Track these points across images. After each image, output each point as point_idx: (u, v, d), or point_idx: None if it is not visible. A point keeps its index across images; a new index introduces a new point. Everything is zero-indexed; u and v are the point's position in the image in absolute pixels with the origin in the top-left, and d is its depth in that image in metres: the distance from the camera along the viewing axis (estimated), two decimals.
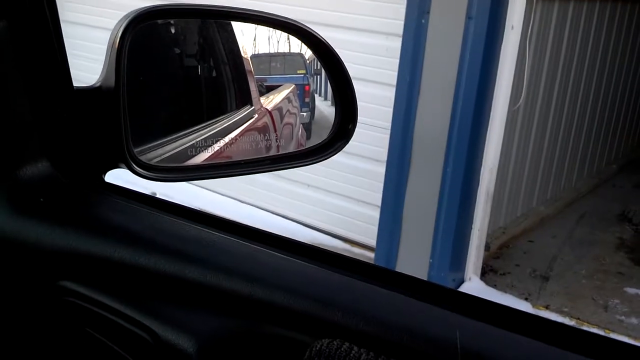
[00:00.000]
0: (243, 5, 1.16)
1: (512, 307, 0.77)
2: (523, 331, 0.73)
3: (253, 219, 5.09)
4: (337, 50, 1.13)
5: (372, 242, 4.65)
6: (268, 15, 1.13)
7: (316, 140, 1.25)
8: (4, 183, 0.95)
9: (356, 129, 1.16)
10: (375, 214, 4.60)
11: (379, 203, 4.54)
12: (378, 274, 0.83)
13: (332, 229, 5.02)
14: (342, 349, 0.73)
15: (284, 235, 0.93)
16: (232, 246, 0.89)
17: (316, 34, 1.12)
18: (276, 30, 1.19)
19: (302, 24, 1.13)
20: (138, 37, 0.99)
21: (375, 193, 4.64)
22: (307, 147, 1.23)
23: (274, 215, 5.24)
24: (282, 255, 0.86)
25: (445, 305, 0.77)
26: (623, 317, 4.29)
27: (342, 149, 1.14)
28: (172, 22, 1.16)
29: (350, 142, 1.17)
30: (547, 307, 4.31)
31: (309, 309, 0.78)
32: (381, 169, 4.52)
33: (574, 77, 5.80)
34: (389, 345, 0.73)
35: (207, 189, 5.45)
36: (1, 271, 0.95)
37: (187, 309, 0.85)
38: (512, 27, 4.00)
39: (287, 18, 1.13)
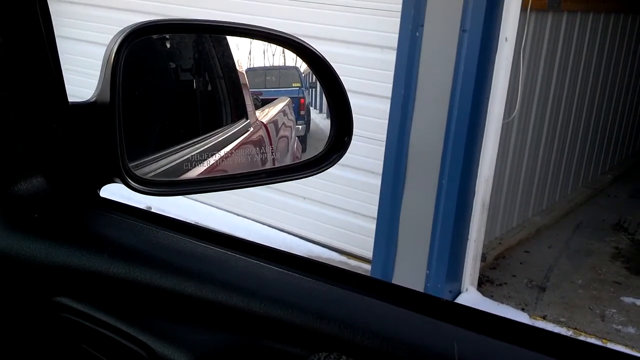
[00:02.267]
0: (238, 19, 1.16)
1: (510, 318, 0.77)
2: (521, 343, 0.72)
3: (249, 232, 5.09)
4: (331, 63, 1.14)
5: (369, 254, 4.64)
6: (263, 30, 1.14)
7: (312, 153, 1.25)
8: None
9: (352, 142, 1.16)
10: (372, 226, 4.60)
11: (375, 215, 4.54)
12: (375, 287, 0.83)
13: (328, 241, 5.01)
14: None
15: (279, 248, 0.93)
16: (228, 260, 0.89)
17: (311, 47, 1.13)
18: (271, 44, 1.20)
19: (296, 38, 1.13)
20: (133, 52, 0.99)
21: (371, 205, 4.64)
22: (303, 159, 1.23)
23: (270, 228, 5.23)
24: (279, 269, 0.86)
25: (442, 317, 0.77)
26: (620, 327, 4.28)
27: (338, 161, 1.14)
28: (167, 36, 1.16)
29: (345, 154, 1.17)
30: (544, 318, 4.31)
31: (306, 322, 0.78)
32: (377, 181, 4.52)
33: (567, 88, 5.83)
34: (386, 358, 0.73)
35: (202, 202, 5.44)
36: None
37: (183, 324, 0.84)
38: (506, 39, 4.02)
39: (281, 32, 1.14)
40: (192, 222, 1.01)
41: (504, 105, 4.23)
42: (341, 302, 0.81)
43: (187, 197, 5.18)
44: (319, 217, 5.05)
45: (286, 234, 5.15)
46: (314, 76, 1.29)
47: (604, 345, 0.81)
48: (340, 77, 1.13)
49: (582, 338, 3.98)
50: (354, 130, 1.15)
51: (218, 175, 1.19)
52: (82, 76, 4.35)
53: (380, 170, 4.46)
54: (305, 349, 0.77)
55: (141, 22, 1.00)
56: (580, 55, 5.91)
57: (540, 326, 3.83)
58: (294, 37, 1.13)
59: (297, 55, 1.18)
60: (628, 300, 4.63)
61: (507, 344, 0.72)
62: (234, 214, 5.42)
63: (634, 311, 4.49)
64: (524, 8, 4.23)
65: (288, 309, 0.79)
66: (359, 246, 4.85)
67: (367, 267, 4.65)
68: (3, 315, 0.96)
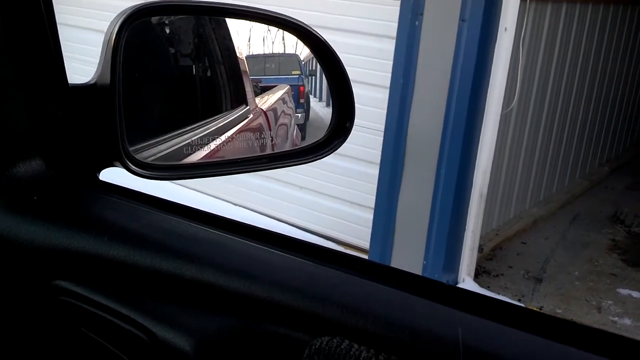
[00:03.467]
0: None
1: (514, 303, 0.76)
2: (525, 327, 0.72)
3: (246, 221, 5.06)
4: None
5: (366, 244, 4.65)
6: (265, 12, 1.13)
7: (311, 141, 1.24)
8: None
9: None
10: (369, 216, 4.60)
11: (373, 205, 4.54)
12: (378, 271, 0.83)
13: (325, 231, 5.01)
14: (342, 347, 0.72)
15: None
16: (229, 244, 0.88)
17: (314, 31, 1.12)
18: (273, 27, 1.18)
19: (299, 21, 1.12)
20: (134, 34, 0.98)
21: (368, 195, 4.63)
22: (305, 145, 1.22)
23: (267, 218, 5.23)
24: (280, 253, 0.85)
25: (446, 302, 0.77)
26: (616, 318, 4.30)
27: (339, 146, 1.14)
28: (166, 21, 1.15)
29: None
30: (540, 309, 4.32)
31: (308, 306, 0.77)
32: (374, 171, 4.51)
33: (566, 79, 5.82)
34: (389, 343, 0.72)
35: (198, 190, 5.43)
36: None
37: (184, 308, 0.84)
38: (506, 29, 4.01)
39: (285, 15, 1.13)
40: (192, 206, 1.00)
41: (502, 96, 4.23)
42: (344, 287, 0.80)
43: (182, 185, 5.17)
44: (316, 206, 5.05)
45: (283, 224, 5.15)
46: (313, 64, 1.28)
47: (606, 330, 0.81)
48: None
49: None
50: None
51: (219, 160, 1.19)
52: (79, 63, 4.33)
53: (378, 160, 4.45)
54: (308, 333, 0.76)
55: (142, 4, 0.99)
56: (579, 47, 5.90)
57: None
58: (297, 20, 1.12)
59: (299, 39, 1.17)
60: (624, 292, 4.64)
61: (512, 328, 0.72)
62: (231, 202, 5.41)
63: (630, 303, 4.50)
64: None
65: (290, 293, 0.79)
66: (356, 236, 4.85)
67: (364, 257, 4.65)
68: (2, 298, 0.95)
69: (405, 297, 0.78)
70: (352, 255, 0.87)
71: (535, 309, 4.30)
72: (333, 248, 0.93)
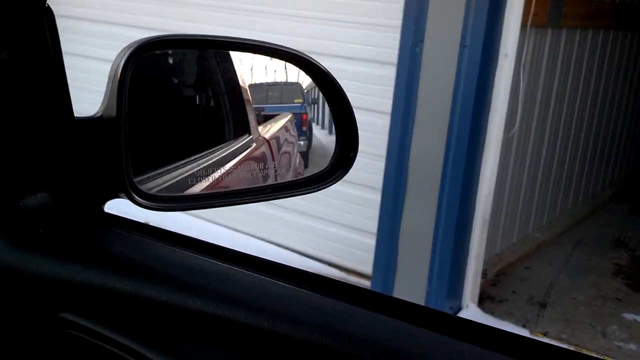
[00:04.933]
0: (238, 35, 1.16)
1: (519, 334, 0.76)
2: (531, 358, 0.72)
3: (248, 247, 5.07)
4: None
5: (368, 270, 4.63)
6: (268, 45, 1.14)
7: (313, 169, 1.24)
8: (3, 214, 0.94)
9: None
10: (371, 241, 4.59)
11: (375, 231, 4.53)
12: (383, 303, 0.83)
13: (328, 257, 5.00)
14: None
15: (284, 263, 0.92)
16: (236, 276, 0.88)
17: (316, 62, 1.13)
18: (276, 59, 1.20)
19: (301, 53, 1.13)
20: (140, 67, 0.99)
21: (370, 221, 4.63)
22: (308, 175, 1.22)
23: (269, 244, 5.22)
24: (285, 285, 0.85)
25: (452, 334, 0.76)
26: (622, 344, 4.27)
27: (343, 176, 1.14)
28: (170, 53, 1.16)
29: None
30: (545, 334, 4.29)
31: (314, 338, 0.77)
32: (377, 197, 4.51)
33: (567, 104, 5.84)
34: None
35: (201, 218, 5.43)
36: (1, 303, 0.94)
37: (190, 341, 0.84)
38: (506, 55, 4.03)
39: (287, 47, 1.14)
40: (198, 238, 1.00)
41: (504, 121, 4.24)
42: (350, 318, 0.80)
43: (185, 213, 5.17)
44: (318, 232, 5.04)
45: (285, 250, 5.14)
46: (316, 92, 1.29)
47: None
48: None
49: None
50: None
51: (223, 190, 1.19)
52: (82, 92, 4.35)
53: (380, 186, 4.46)
54: None
55: (148, 37, 1.00)
56: (580, 72, 5.93)
57: None
58: (298, 52, 1.13)
59: (302, 70, 1.18)
60: (629, 316, 4.62)
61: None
62: (233, 229, 5.41)
63: (635, 328, 4.47)
64: (523, 24, 4.25)
65: (295, 325, 0.78)
66: (358, 262, 4.83)
67: (367, 283, 4.63)
68: (8, 331, 0.95)
69: (412, 329, 0.78)
70: (357, 286, 0.87)
71: (539, 334, 4.28)
72: (338, 279, 0.93)
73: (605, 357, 4.05)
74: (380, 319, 0.80)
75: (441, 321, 0.80)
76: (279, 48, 1.13)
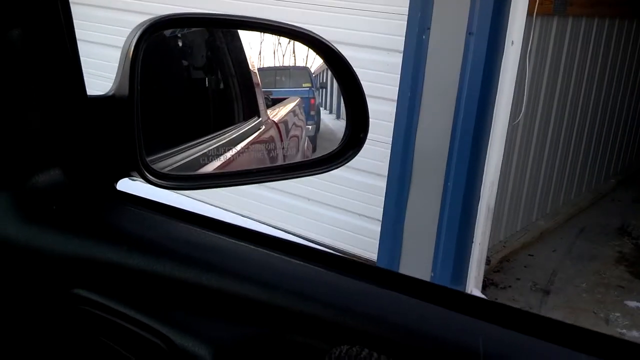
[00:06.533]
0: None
1: (535, 312, 0.76)
2: (547, 337, 0.72)
3: None
4: None
5: (374, 256, 4.64)
6: (279, 24, 1.14)
7: (321, 153, 1.25)
8: (16, 191, 0.95)
9: None
10: (377, 228, 4.60)
11: (380, 217, 4.54)
12: (397, 281, 0.83)
13: (333, 243, 5.01)
14: (362, 355, 0.73)
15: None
16: (248, 253, 0.89)
17: (326, 41, 1.13)
18: (287, 39, 1.20)
19: (312, 32, 1.14)
20: (151, 47, 0.99)
21: (376, 207, 4.63)
22: (319, 155, 1.23)
23: (275, 229, 5.21)
24: (300, 262, 0.86)
25: (467, 312, 0.77)
26: (624, 331, 4.28)
27: (353, 157, 1.15)
28: (179, 35, 1.17)
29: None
30: None
31: (327, 315, 0.78)
32: (382, 183, 4.52)
33: (572, 92, 5.83)
34: (409, 352, 0.73)
35: (206, 202, 5.41)
36: (15, 279, 0.95)
37: (203, 317, 0.84)
38: (512, 43, 4.02)
39: (297, 27, 1.14)
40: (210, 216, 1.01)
41: (509, 109, 4.23)
42: (364, 296, 0.81)
43: (190, 196, 5.17)
44: (324, 218, 5.05)
45: (290, 235, 5.14)
46: (324, 77, 1.29)
47: (631, 341, 0.80)
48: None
49: None
50: None
51: (234, 170, 1.20)
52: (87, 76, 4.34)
53: (386, 173, 4.46)
54: (327, 342, 0.76)
55: (159, 16, 1.00)
56: (585, 60, 5.91)
57: None
58: (310, 31, 1.13)
59: (312, 50, 1.18)
60: (632, 304, 4.63)
61: (533, 338, 0.72)
62: (239, 214, 5.41)
63: (638, 315, 4.48)
64: (530, 12, 4.24)
65: (310, 302, 0.79)
66: (363, 248, 4.85)
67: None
68: (22, 307, 0.96)
69: (426, 307, 0.78)
70: (371, 265, 0.87)
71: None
72: (352, 258, 0.94)
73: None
74: (395, 297, 0.80)
75: (456, 299, 0.80)
76: (290, 27, 1.13)
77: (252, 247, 0.90)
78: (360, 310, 0.77)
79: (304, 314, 0.79)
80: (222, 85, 1.30)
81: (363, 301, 0.80)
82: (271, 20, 1.13)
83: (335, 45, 1.12)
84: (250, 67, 1.30)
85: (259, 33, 1.24)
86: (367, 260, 4.78)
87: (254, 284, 0.83)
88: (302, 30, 1.13)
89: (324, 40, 1.12)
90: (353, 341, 0.75)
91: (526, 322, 0.74)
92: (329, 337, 0.77)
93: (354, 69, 1.13)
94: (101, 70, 5.09)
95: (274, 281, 0.83)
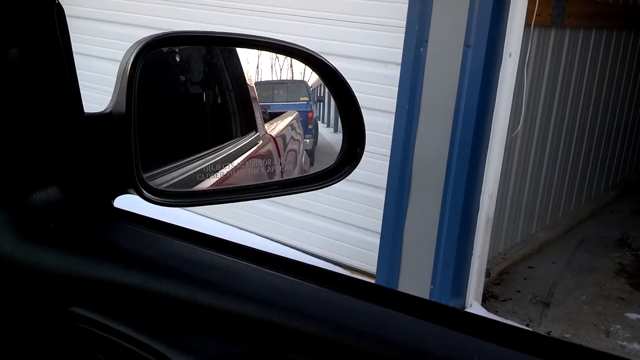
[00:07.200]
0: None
1: (530, 330, 0.76)
2: (540, 354, 0.72)
3: (252, 245, 5.06)
4: None
5: (372, 268, 4.64)
6: (275, 42, 1.15)
7: (319, 167, 1.25)
8: (13, 208, 0.95)
9: None
10: (375, 240, 4.59)
11: (379, 229, 4.54)
12: (393, 298, 0.83)
13: (332, 255, 5.00)
14: None
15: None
16: (244, 270, 0.89)
17: (322, 58, 1.14)
18: (283, 56, 1.20)
19: (308, 49, 1.14)
20: (148, 64, 1.00)
21: (374, 219, 4.63)
22: (315, 171, 1.23)
23: (273, 242, 5.22)
24: (295, 279, 0.86)
25: (462, 329, 0.77)
26: (625, 343, 4.27)
27: (350, 172, 1.15)
28: (177, 50, 1.17)
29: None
30: (548, 333, 4.29)
31: (324, 333, 0.78)
32: (381, 196, 4.52)
33: (571, 103, 5.84)
34: None
35: (204, 215, 5.44)
36: (11, 297, 0.95)
37: (200, 335, 0.84)
38: (510, 55, 4.03)
39: (293, 44, 1.15)
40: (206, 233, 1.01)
41: (508, 121, 4.24)
42: (360, 313, 0.81)
43: (189, 211, 5.18)
44: (322, 231, 5.04)
45: (289, 248, 5.14)
46: (321, 91, 1.30)
47: (620, 356, 0.80)
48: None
49: None
50: None
51: (231, 186, 1.20)
52: (84, 90, 4.36)
53: (384, 185, 4.46)
54: None
55: (156, 34, 1.01)
56: (583, 72, 5.93)
57: None
58: (306, 48, 1.14)
59: (309, 66, 1.19)
60: (632, 316, 4.62)
61: (527, 355, 0.72)
62: (237, 227, 5.42)
63: (638, 327, 4.47)
64: (527, 24, 4.25)
65: (306, 320, 0.79)
66: (362, 261, 4.84)
67: (371, 281, 4.63)
68: (19, 325, 0.96)
69: (422, 324, 0.78)
70: (366, 281, 0.87)
71: (543, 333, 4.28)
72: (346, 275, 0.94)
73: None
74: (391, 314, 0.80)
75: (451, 316, 0.80)
76: (286, 45, 1.14)
77: (248, 264, 0.90)
78: (356, 327, 0.77)
79: (300, 332, 0.79)
80: (219, 101, 1.30)
81: (359, 318, 0.79)
82: (268, 38, 1.14)
83: (333, 57, 1.13)
84: (248, 81, 1.31)
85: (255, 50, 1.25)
86: (366, 272, 4.77)
87: (251, 301, 0.83)
88: (298, 47, 1.13)
89: (318, 56, 1.13)
90: (349, 359, 0.75)
91: (521, 340, 0.74)
92: (325, 354, 0.77)
93: (352, 81, 1.14)
94: (101, 84, 5.12)
95: (271, 299, 0.83)
